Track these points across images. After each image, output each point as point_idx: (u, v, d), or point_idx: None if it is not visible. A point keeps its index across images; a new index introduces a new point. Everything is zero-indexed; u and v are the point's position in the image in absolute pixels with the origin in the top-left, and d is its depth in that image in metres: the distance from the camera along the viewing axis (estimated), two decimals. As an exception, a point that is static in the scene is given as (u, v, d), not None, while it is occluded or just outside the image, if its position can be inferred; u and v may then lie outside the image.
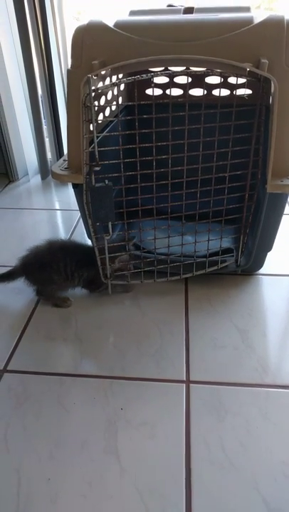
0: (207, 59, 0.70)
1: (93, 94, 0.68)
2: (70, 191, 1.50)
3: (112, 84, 0.69)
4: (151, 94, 1.22)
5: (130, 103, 0.81)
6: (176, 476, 0.60)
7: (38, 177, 1.59)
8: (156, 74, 0.70)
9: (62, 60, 1.43)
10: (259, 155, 0.79)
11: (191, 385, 0.74)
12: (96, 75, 0.74)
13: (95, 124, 0.69)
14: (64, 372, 0.76)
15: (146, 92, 1.24)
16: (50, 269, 0.87)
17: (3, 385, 0.73)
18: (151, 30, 0.75)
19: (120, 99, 1.17)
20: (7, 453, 0.63)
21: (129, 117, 0.74)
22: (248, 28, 0.72)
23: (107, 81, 0.96)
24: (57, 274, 0.88)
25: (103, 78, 0.81)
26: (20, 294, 0.95)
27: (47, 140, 1.54)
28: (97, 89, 0.68)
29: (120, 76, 0.94)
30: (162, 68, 1.06)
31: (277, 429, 0.65)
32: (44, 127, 1.52)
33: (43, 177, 1.58)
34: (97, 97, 0.90)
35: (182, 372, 0.76)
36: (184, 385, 0.74)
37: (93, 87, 0.68)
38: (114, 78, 0.86)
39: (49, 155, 1.58)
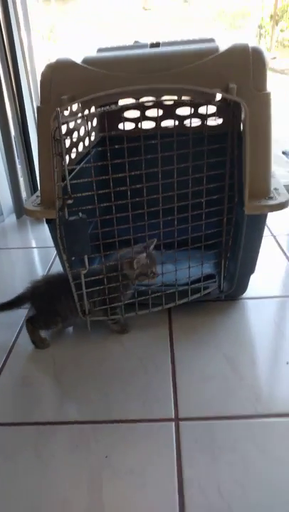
0: (176, 87, 0.71)
1: (64, 128, 0.68)
2: (46, 228, 1.45)
3: (81, 117, 0.68)
4: (122, 128, 1.23)
5: (102, 134, 0.81)
6: (170, 530, 0.54)
7: (13, 216, 1.56)
8: (126, 105, 0.70)
9: (34, 100, 1.46)
10: (234, 178, 0.79)
11: (180, 422, 0.69)
12: (66, 109, 0.73)
13: (65, 157, 0.68)
14: (41, 421, 0.70)
15: (118, 127, 1.25)
16: (59, 301, 0.84)
17: (-25, 440, 0.67)
18: (118, 64, 0.77)
19: (93, 134, 1.18)
20: (-22, 520, 0.56)
21: (101, 148, 0.73)
22: (215, 56, 0.74)
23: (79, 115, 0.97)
24: (63, 308, 0.84)
25: (75, 115, 0.81)
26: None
27: (21, 179, 1.54)
28: (66, 122, 0.68)
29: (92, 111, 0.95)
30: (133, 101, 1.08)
31: (276, 464, 0.61)
32: (18, 166, 1.51)
33: (18, 216, 1.55)
34: (70, 133, 0.90)
35: (170, 410, 0.71)
36: (173, 423, 0.69)
37: (62, 121, 0.67)
38: (86, 113, 0.87)
39: (24, 194, 1.56)
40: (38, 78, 1.42)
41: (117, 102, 0.86)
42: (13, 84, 1.35)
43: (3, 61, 1.32)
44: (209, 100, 0.74)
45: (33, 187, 1.54)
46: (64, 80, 0.76)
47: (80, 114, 0.84)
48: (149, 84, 0.75)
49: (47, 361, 0.83)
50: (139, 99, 1.00)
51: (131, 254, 0.83)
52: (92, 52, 0.85)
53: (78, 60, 0.78)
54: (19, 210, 1.54)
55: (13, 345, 0.88)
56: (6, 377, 0.79)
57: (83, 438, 0.66)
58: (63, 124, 0.67)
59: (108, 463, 0.62)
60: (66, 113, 0.80)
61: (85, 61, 0.78)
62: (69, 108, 0.80)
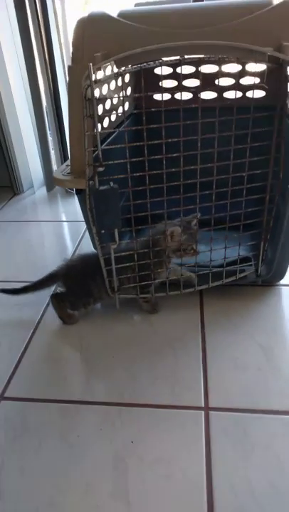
0: (221, 43, 0.63)
1: (97, 92, 0.62)
2: (76, 202, 1.43)
3: (116, 75, 0.62)
4: (159, 99, 1.15)
5: (137, 94, 0.74)
6: (198, 526, 0.50)
7: (44, 189, 1.53)
8: (165, 61, 0.62)
9: (66, 70, 1.39)
10: (281, 152, 0.71)
11: (210, 412, 0.64)
12: (99, 69, 0.67)
13: (97, 120, 0.62)
14: (68, 399, 0.67)
15: (154, 98, 1.17)
16: (94, 281, 0.80)
17: (0, 414, 0.65)
18: (157, 18, 0.69)
19: (127, 105, 1.11)
20: (0, 500, 0.54)
21: (136, 111, 0.66)
22: (267, 9, 0.65)
23: (113, 84, 0.90)
24: (97, 287, 0.81)
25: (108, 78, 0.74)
26: (21, 310, 0.88)
27: (52, 152, 1.50)
28: (99, 80, 0.61)
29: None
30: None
31: (316, 467, 0.55)
32: (49, 139, 1.47)
33: (49, 189, 1.52)
34: (102, 99, 0.84)
35: (200, 398, 0.66)
36: (203, 412, 0.64)
37: (95, 79, 0.61)
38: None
39: (55, 167, 1.52)
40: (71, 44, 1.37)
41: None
42: (45, 50, 1.29)
43: (35, 27, 1.25)
44: (259, 60, 0.65)
45: (64, 160, 1.50)
46: (97, 36, 0.69)
47: (113, 71, 0.77)
48: (191, 41, 0.67)
49: (74, 338, 0.80)
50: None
51: (165, 229, 0.77)
52: (130, 7, 0.78)
53: (113, 14, 0.71)
54: (50, 183, 1.51)
55: (40, 321, 0.85)
56: (32, 352, 0.77)
57: (108, 420, 0.63)
58: (96, 83, 0.61)
59: (134, 449, 0.59)
60: (99, 74, 0.74)
61: (121, 15, 0.70)
62: (102, 70, 0.74)
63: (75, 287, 0.83)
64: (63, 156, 1.49)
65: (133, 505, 0.52)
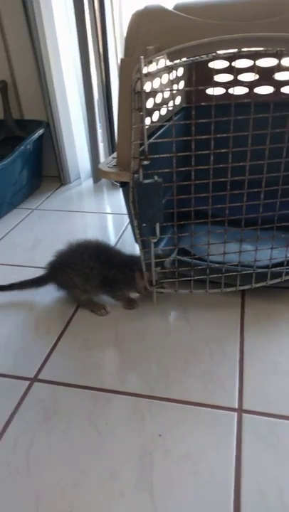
0: (282, 35, 0.61)
1: (147, 86, 0.62)
2: (121, 195, 1.44)
3: (167, 68, 0.61)
4: (211, 94, 1.13)
5: (188, 88, 0.73)
6: (221, 528, 0.49)
7: (91, 181, 1.56)
8: (219, 55, 0.61)
9: (119, 64, 1.40)
10: None
11: (243, 414, 0.62)
12: (150, 62, 0.67)
13: (145, 114, 0.62)
14: (99, 387, 0.68)
15: (206, 92, 1.15)
16: (70, 270, 0.83)
17: (32, 396, 0.67)
18: (214, 10, 0.68)
19: (178, 99, 1.10)
20: (28, 474, 0.56)
21: (186, 104, 0.66)
22: None
23: (165, 78, 0.90)
24: (77, 275, 0.83)
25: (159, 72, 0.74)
26: (60, 297, 0.90)
27: (101, 144, 1.52)
28: (149, 73, 0.61)
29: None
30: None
31: None
32: (99, 131, 1.49)
33: (95, 181, 1.55)
34: (153, 93, 0.84)
35: (234, 399, 0.65)
36: (236, 413, 0.63)
37: (145, 72, 0.61)
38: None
39: (102, 159, 1.55)
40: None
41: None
42: (100, 44, 1.31)
43: (91, 20, 1.27)
44: None
45: (111, 153, 1.51)
46: (152, 29, 0.69)
47: (164, 64, 0.77)
48: (247, 33, 0.65)
49: (109, 328, 0.81)
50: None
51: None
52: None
53: (169, 7, 0.70)
54: (97, 174, 1.53)
55: (77, 309, 0.87)
56: (67, 338, 0.79)
57: (138, 412, 0.64)
58: (146, 76, 0.61)
59: (162, 442, 0.59)
60: (152, 67, 0.74)
61: (177, 7, 0.70)
62: (155, 63, 0.74)
63: (61, 282, 0.86)
64: (111, 149, 1.51)
65: (157, 497, 0.52)
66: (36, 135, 1.35)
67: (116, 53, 1.37)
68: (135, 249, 1.07)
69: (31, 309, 0.88)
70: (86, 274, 0.83)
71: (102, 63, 1.35)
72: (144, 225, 0.73)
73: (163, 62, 0.75)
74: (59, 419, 0.63)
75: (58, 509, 0.52)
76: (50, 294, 0.91)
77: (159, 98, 0.90)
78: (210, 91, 1.14)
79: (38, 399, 0.66)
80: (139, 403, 0.65)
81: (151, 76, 0.63)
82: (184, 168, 0.69)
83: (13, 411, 0.64)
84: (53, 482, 0.55)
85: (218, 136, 0.66)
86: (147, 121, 0.70)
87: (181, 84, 1.10)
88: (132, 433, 0.60)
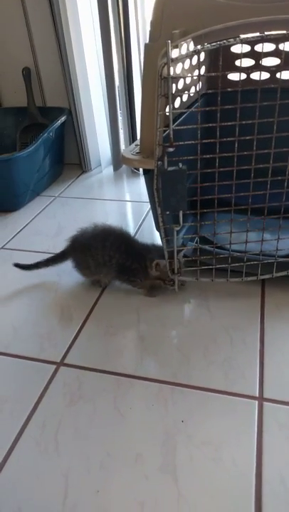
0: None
1: (171, 70, 0.61)
2: (141, 183, 1.45)
3: (193, 52, 0.60)
4: (233, 79, 1.11)
5: (213, 74, 0.72)
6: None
7: (111, 168, 1.56)
8: (247, 38, 0.60)
9: (141, 52, 1.38)
10: None
11: (264, 403, 0.63)
12: (176, 46, 0.66)
13: (171, 99, 0.61)
14: (122, 372, 0.70)
15: (228, 78, 1.13)
16: (89, 252, 0.84)
17: (59, 380, 0.69)
18: (241, -8, 0.66)
19: (200, 84, 1.08)
20: (57, 455, 0.58)
21: (211, 91, 0.65)
22: None
23: (187, 63, 0.88)
24: (94, 259, 0.84)
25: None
26: (84, 284, 0.92)
27: (121, 131, 1.51)
28: (176, 58, 0.60)
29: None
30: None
31: None
32: (119, 118, 1.48)
33: (116, 168, 1.55)
34: (177, 79, 0.83)
35: (254, 387, 0.65)
36: (257, 402, 0.63)
37: (172, 57, 0.60)
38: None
39: (123, 146, 1.54)
40: (148, 26, 1.35)
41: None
42: (122, 31, 1.29)
43: (114, 10, 1.25)
44: None
45: (132, 140, 1.51)
46: (177, 12, 0.68)
47: (188, 49, 0.76)
48: (276, 15, 0.63)
49: (131, 315, 0.82)
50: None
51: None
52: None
53: (195, -11, 0.69)
54: (117, 162, 1.53)
55: (100, 296, 0.89)
56: (91, 324, 0.81)
57: (161, 397, 0.65)
58: (172, 61, 0.60)
59: (184, 428, 0.60)
60: (175, 53, 0.73)
61: (203, -11, 0.68)
62: (178, 49, 0.73)
63: (78, 259, 0.88)
64: (132, 137, 1.50)
65: (180, 481, 0.54)
66: (59, 122, 1.36)
67: (138, 40, 1.35)
68: (155, 238, 1.08)
69: (56, 294, 0.90)
70: (104, 262, 0.84)
71: (124, 50, 1.33)
72: (168, 212, 0.73)
73: (185, 47, 0.73)
74: (84, 402, 0.65)
75: (86, 488, 0.54)
76: (74, 279, 0.92)
77: (180, 84, 0.89)
78: (232, 76, 1.12)
79: (64, 382, 0.68)
80: (162, 389, 0.66)
81: (176, 61, 0.62)
82: (208, 155, 0.69)
83: (41, 394, 0.67)
84: (80, 462, 0.57)
85: (244, 122, 0.65)
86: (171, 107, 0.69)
87: (203, 70, 1.08)
88: (155, 418, 0.62)
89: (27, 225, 1.21)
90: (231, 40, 0.60)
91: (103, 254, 0.84)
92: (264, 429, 0.59)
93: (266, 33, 0.61)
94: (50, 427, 0.62)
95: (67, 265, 0.92)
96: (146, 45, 0.72)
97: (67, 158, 1.57)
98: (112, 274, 0.87)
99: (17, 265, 0.94)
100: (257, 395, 0.64)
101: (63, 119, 1.39)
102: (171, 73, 0.65)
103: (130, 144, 1.50)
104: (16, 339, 0.78)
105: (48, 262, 0.92)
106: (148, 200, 0.89)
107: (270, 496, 0.51)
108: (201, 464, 0.55)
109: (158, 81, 0.62)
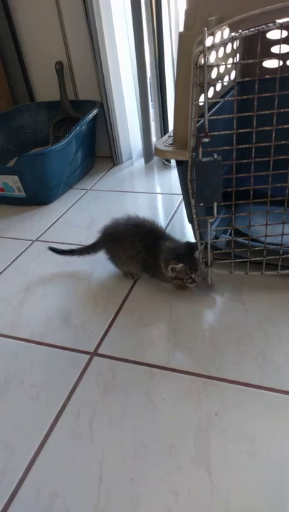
0: None
1: (207, 60, 0.60)
2: (172, 175, 1.43)
3: (231, 39, 0.59)
4: (269, 66, 1.07)
5: (247, 61, 0.70)
6: (275, 507, 0.49)
7: (142, 161, 1.56)
8: (285, 22, 0.57)
9: (173, 43, 1.36)
10: None
11: (301, 399, 0.61)
12: (212, 34, 0.64)
13: (208, 87, 0.60)
14: (155, 364, 0.70)
15: (263, 66, 1.10)
16: (120, 244, 0.85)
17: (93, 369, 0.70)
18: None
19: (233, 73, 1.06)
20: (91, 442, 0.59)
21: (249, 78, 0.63)
22: None
23: (221, 52, 0.86)
24: (124, 252, 0.85)
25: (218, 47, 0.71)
26: (117, 275, 0.93)
27: (153, 123, 1.50)
28: (213, 45, 0.59)
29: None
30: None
31: None
32: (151, 110, 1.47)
33: (147, 161, 1.54)
34: (210, 70, 0.81)
35: (290, 383, 0.64)
36: (292, 397, 0.62)
37: (208, 45, 0.59)
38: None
39: (154, 139, 1.53)
40: (181, 18, 1.33)
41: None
42: (154, 26, 1.28)
43: (146, 3, 1.24)
44: None
45: (163, 132, 1.50)
46: (213, -2, 0.66)
47: (222, 37, 0.74)
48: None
49: (164, 307, 0.82)
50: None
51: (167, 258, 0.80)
52: None
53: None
54: (148, 154, 1.53)
55: (133, 287, 0.89)
56: (124, 315, 0.82)
57: (194, 390, 0.65)
58: (209, 49, 0.59)
59: (217, 421, 0.60)
60: (209, 41, 0.71)
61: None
62: (214, 36, 0.71)
63: (110, 250, 0.89)
64: (163, 129, 1.49)
65: (214, 474, 0.54)
66: (91, 116, 1.37)
67: (170, 31, 1.34)
68: (186, 231, 1.07)
69: (90, 285, 0.91)
70: (132, 256, 0.85)
71: (156, 41, 1.32)
72: (202, 204, 0.72)
73: (219, 35, 0.72)
74: (118, 392, 0.66)
75: (120, 476, 0.55)
76: (107, 270, 0.94)
77: (214, 73, 0.87)
78: (267, 64, 1.08)
79: (98, 372, 0.70)
80: (195, 382, 0.66)
81: (212, 49, 0.61)
82: (245, 146, 0.67)
83: (75, 382, 0.68)
84: (114, 450, 0.58)
85: (282, 110, 0.63)
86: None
87: (237, 58, 1.05)
88: (188, 410, 0.62)
89: (60, 217, 1.23)
90: (270, 24, 0.58)
91: (132, 248, 0.84)
92: (300, 425, 0.58)
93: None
94: (84, 414, 0.63)
95: (100, 256, 0.93)
96: (180, 34, 0.70)
97: (99, 151, 1.58)
98: (141, 269, 0.87)
99: (52, 249, 0.97)
100: (292, 391, 0.63)
101: (95, 112, 1.39)
102: (208, 62, 0.63)
103: (162, 137, 1.49)
104: (50, 329, 0.80)
105: (82, 251, 0.94)
106: (179, 193, 0.89)
107: (306, 493, 0.50)
108: (235, 458, 0.55)
109: (193, 70, 0.61)
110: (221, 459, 0.55)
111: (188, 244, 0.82)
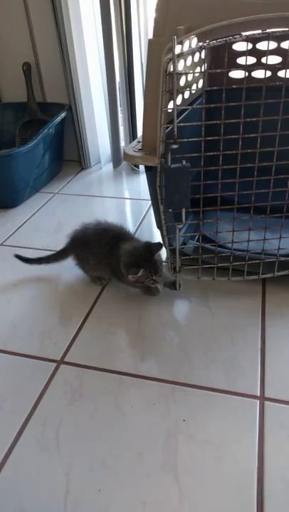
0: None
1: (178, 69, 0.60)
2: (140, 180, 1.44)
3: (199, 48, 0.60)
4: (235, 77, 1.10)
5: (213, 71, 0.71)
6: (243, 511, 0.50)
7: (110, 165, 1.55)
8: (253, 34, 0.59)
9: (142, 48, 1.37)
10: None
11: (266, 402, 0.63)
12: (180, 42, 0.65)
13: (176, 94, 0.61)
14: (123, 371, 0.69)
15: (229, 76, 1.13)
16: (88, 249, 0.84)
17: (60, 378, 0.69)
18: (246, -12, 0.65)
19: (200, 82, 1.08)
20: (57, 453, 0.58)
21: (216, 88, 0.64)
22: None
23: (189, 60, 0.88)
24: (92, 257, 0.85)
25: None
26: (85, 282, 0.91)
27: (121, 128, 1.50)
28: (181, 53, 0.60)
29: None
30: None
31: None
32: (120, 115, 1.47)
33: (115, 165, 1.54)
34: (178, 78, 0.82)
35: (256, 387, 0.65)
36: (258, 401, 0.63)
37: (177, 53, 0.59)
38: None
39: (123, 143, 1.53)
40: (150, 22, 1.34)
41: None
42: (123, 31, 1.28)
43: (116, 6, 1.24)
44: None
45: (132, 137, 1.50)
46: (182, 8, 0.67)
47: (190, 46, 0.75)
48: (282, 12, 0.63)
49: (132, 314, 0.82)
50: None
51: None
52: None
53: (200, -15, 0.68)
54: (117, 159, 1.52)
55: (100, 294, 0.88)
56: (91, 322, 0.80)
57: (162, 396, 0.65)
58: (178, 57, 0.59)
59: (185, 427, 0.60)
60: (178, 49, 0.72)
61: (208, -15, 0.67)
62: (182, 44, 0.72)
63: (78, 255, 0.88)
64: (132, 133, 1.50)
65: (182, 480, 0.53)
66: (59, 118, 1.35)
67: (139, 36, 1.34)
68: (154, 236, 1.07)
69: (57, 291, 0.89)
70: (99, 260, 0.84)
71: (125, 46, 1.32)
72: (170, 210, 0.72)
73: (187, 44, 0.73)
74: (85, 400, 0.65)
75: (88, 487, 0.53)
76: (75, 274, 0.92)
77: (182, 81, 0.89)
78: (233, 74, 1.11)
79: (65, 381, 0.68)
80: (163, 388, 0.66)
81: (181, 57, 0.61)
82: (212, 153, 0.68)
83: (41, 391, 0.66)
84: (82, 461, 0.56)
85: (248, 120, 0.65)
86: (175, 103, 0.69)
87: (204, 67, 1.07)
88: (157, 417, 0.62)
89: (26, 221, 1.20)
90: (237, 36, 0.59)
91: (99, 252, 0.83)
92: (265, 428, 0.59)
93: (271, 30, 0.60)
94: (51, 425, 0.61)
95: (68, 261, 0.91)
96: (150, 41, 0.71)
97: (67, 154, 1.56)
98: (110, 273, 0.86)
99: (18, 256, 0.94)
100: (258, 395, 0.64)
101: (63, 115, 1.38)
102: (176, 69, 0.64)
103: (130, 141, 1.49)
104: (15, 336, 0.78)
105: (50, 259, 0.92)
106: (148, 198, 0.89)
107: (271, 495, 0.51)
108: (202, 463, 0.55)
109: (163, 77, 0.61)
110: (188, 465, 0.55)
111: (147, 245, 0.80)
